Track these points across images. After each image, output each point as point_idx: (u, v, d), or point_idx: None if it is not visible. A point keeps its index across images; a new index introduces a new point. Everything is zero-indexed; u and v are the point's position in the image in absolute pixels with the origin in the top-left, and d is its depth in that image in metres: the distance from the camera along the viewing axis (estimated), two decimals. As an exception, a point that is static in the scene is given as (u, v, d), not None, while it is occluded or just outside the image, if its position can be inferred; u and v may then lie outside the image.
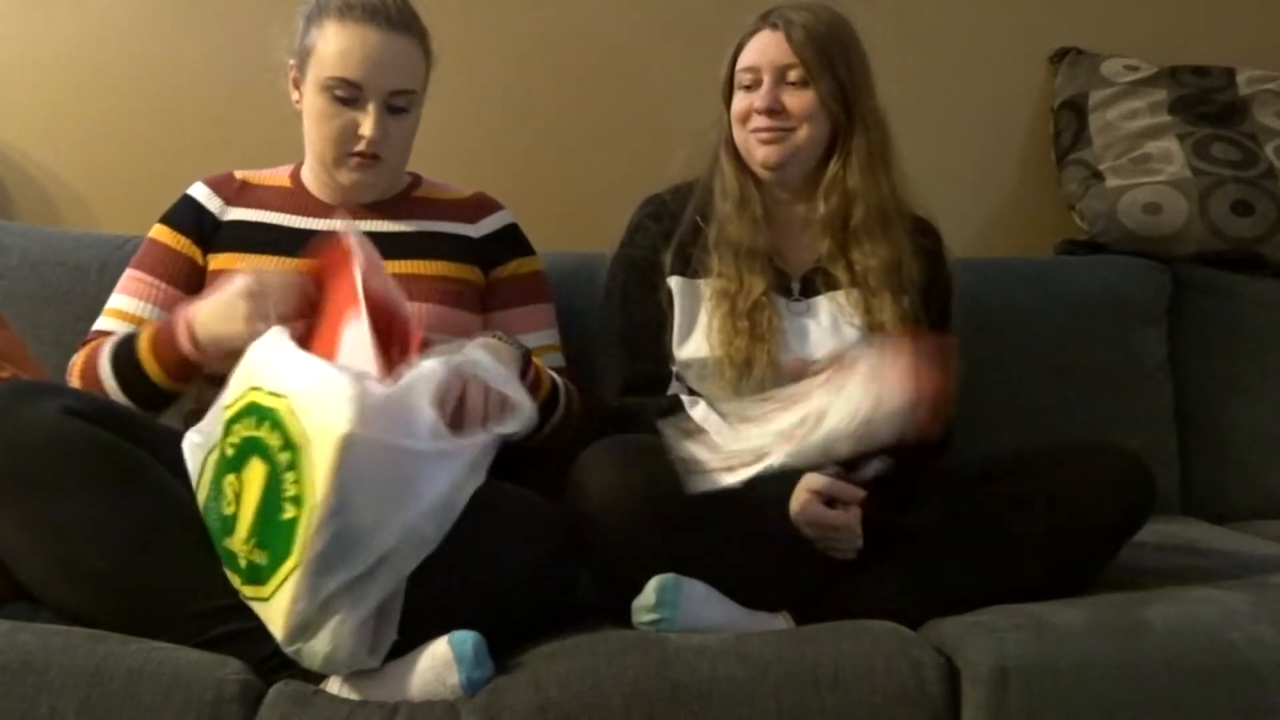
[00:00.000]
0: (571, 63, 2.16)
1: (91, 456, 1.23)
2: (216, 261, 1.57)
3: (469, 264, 1.62)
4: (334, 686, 1.19)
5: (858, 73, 1.57)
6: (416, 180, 1.69)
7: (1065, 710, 1.22)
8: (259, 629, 1.19)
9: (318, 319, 1.36)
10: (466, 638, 1.18)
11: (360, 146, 1.52)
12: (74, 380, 1.48)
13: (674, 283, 1.59)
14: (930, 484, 1.50)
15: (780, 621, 1.36)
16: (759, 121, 1.57)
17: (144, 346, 1.42)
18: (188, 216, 1.60)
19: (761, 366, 1.52)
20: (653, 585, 1.29)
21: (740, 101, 1.59)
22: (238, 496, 1.21)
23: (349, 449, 1.12)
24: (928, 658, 1.24)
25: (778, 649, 1.24)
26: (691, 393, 1.58)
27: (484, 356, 1.30)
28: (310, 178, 1.63)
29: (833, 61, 1.55)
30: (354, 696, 1.18)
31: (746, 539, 1.39)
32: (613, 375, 1.60)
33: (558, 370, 1.61)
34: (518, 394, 1.26)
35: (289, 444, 1.16)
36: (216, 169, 1.67)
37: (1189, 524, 1.86)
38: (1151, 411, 1.98)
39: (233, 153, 1.78)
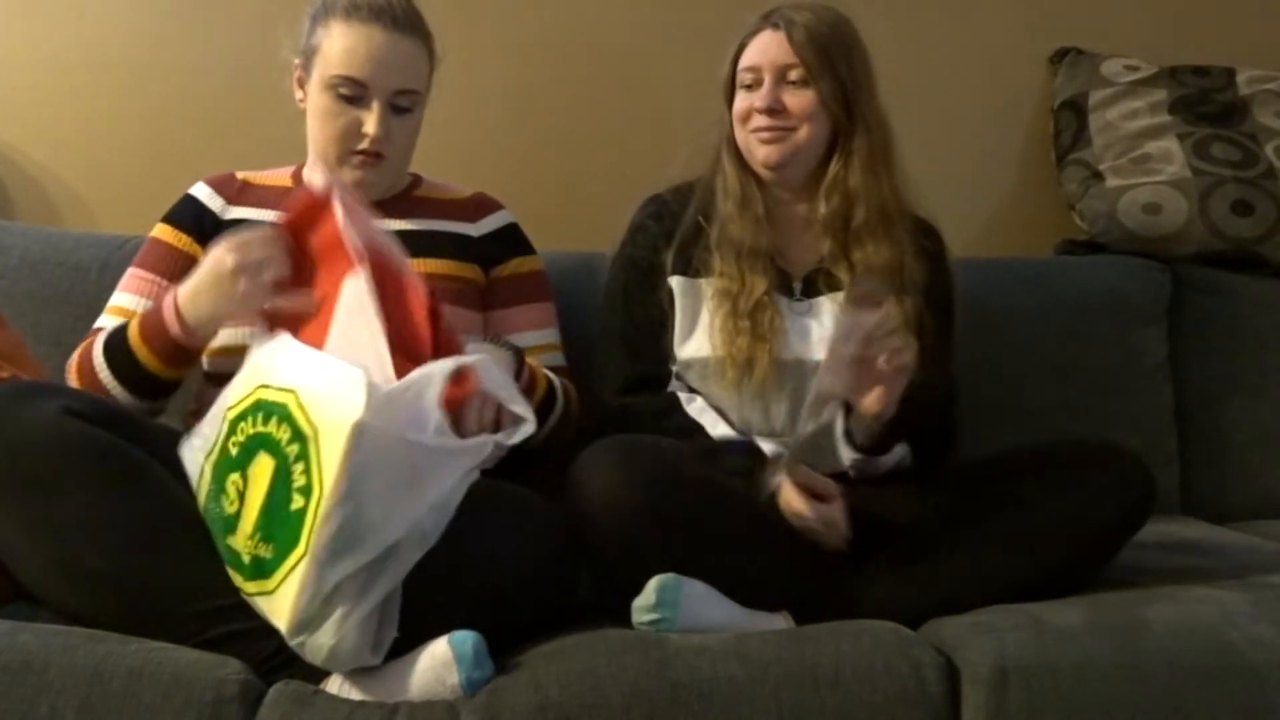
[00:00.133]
0: (572, 62, 2.16)
1: (91, 457, 1.23)
2: None
3: (469, 263, 1.62)
4: (334, 686, 1.20)
5: (859, 73, 1.57)
6: (417, 180, 1.69)
7: (1065, 710, 1.21)
8: (259, 629, 1.19)
9: (308, 272, 1.36)
10: (466, 638, 1.18)
11: (364, 145, 1.53)
12: (72, 376, 1.48)
13: (675, 282, 1.59)
14: (930, 484, 1.50)
15: (780, 621, 1.36)
16: (759, 121, 1.57)
17: (134, 334, 1.42)
18: (189, 215, 1.60)
19: (763, 367, 1.52)
20: (653, 585, 1.29)
21: (741, 101, 1.59)
22: (241, 494, 1.21)
23: (360, 437, 1.13)
24: (928, 658, 1.24)
25: (778, 649, 1.24)
26: (690, 390, 1.58)
27: (487, 361, 1.31)
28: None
29: (834, 62, 1.55)
30: (354, 696, 1.18)
31: (746, 539, 1.40)
32: (613, 374, 1.61)
33: (558, 369, 1.61)
34: (518, 404, 1.26)
35: (298, 435, 1.16)
36: (216, 169, 1.67)
37: (1189, 524, 1.86)
38: (1151, 411, 1.98)
39: (232, 153, 1.78)
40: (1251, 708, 1.23)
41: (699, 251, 1.59)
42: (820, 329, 1.56)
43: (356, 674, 1.19)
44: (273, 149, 1.65)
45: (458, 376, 1.23)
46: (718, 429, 1.52)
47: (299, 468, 1.16)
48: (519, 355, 1.47)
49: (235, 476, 1.22)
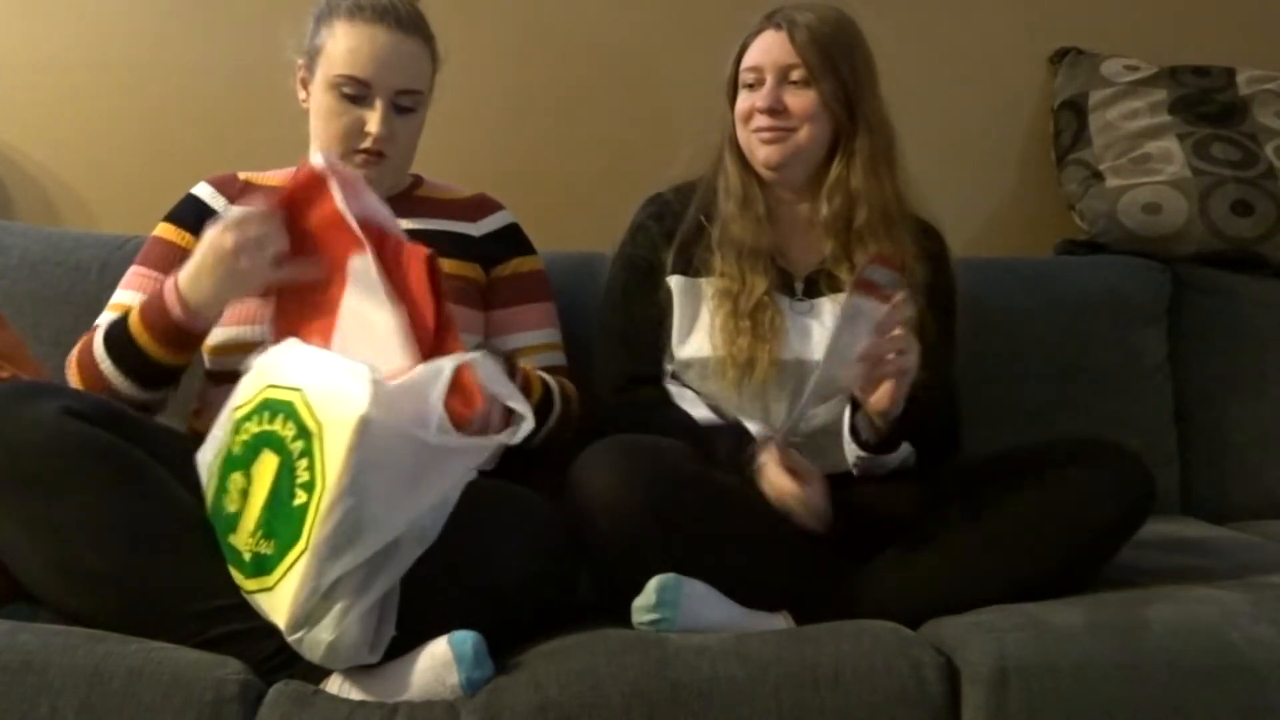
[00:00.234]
0: (572, 62, 2.16)
1: (91, 457, 1.23)
2: None
3: (470, 262, 1.62)
4: (334, 686, 1.20)
5: (861, 74, 1.57)
6: (418, 180, 1.70)
7: (1065, 710, 1.21)
8: (259, 629, 1.19)
9: (307, 248, 1.36)
10: (466, 638, 1.18)
11: (366, 144, 1.53)
12: (71, 371, 1.48)
13: (675, 281, 1.59)
14: (930, 483, 1.50)
15: (780, 621, 1.36)
16: (761, 121, 1.57)
17: (135, 322, 1.41)
18: (191, 214, 1.60)
19: (763, 367, 1.52)
20: (653, 585, 1.29)
21: (743, 101, 1.59)
22: (244, 493, 1.21)
23: (365, 431, 1.13)
24: (928, 658, 1.24)
25: (778, 649, 1.24)
26: (682, 385, 1.58)
27: (486, 358, 1.31)
28: None
29: (835, 62, 1.55)
30: (354, 696, 1.18)
31: (746, 539, 1.40)
32: (610, 372, 1.61)
33: (557, 369, 1.62)
34: (517, 400, 1.26)
35: (303, 432, 1.17)
36: (216, 169, 1.67)
37: (1189, 524, 1.86)
38: (1151, 411, 1.98)
39: (232, 153, 1.78)
40: (1251, 708, 1.23)
41: (700, 251, 1.59)
42: (821, 329, 1.56)
43: (356, 674, 1.19)
44: (273, 149, 1.64)
45: (464, 393, 1.23)
46: (703, 413, 1.53)
47: (303, 464, 1.16)
48: (509, 361, 1.48)
49: (237, 475, 1.22)
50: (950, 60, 2.20)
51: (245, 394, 1.26)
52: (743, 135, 1.60)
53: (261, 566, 1.18)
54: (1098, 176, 2.12)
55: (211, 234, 1.36)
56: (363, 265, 1.31)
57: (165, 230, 1.60)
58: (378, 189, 1.59)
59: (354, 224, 1.31)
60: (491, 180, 1.78)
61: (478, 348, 1.47)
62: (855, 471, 1.47)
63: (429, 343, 1.29)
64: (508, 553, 1.28)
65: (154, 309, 1.40)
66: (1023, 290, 2.00)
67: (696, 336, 1.57)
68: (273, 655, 1.20)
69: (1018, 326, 1.96)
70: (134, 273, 1.59)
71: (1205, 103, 2.14)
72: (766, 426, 1.49)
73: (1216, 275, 2.07)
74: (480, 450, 1.21)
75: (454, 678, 1.17)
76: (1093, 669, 1.23)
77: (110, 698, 1.13)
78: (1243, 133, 2.12)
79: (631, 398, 1.58)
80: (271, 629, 1.18)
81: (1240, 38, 2.25)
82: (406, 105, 1.54)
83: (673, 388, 1.57)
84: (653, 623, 1.29)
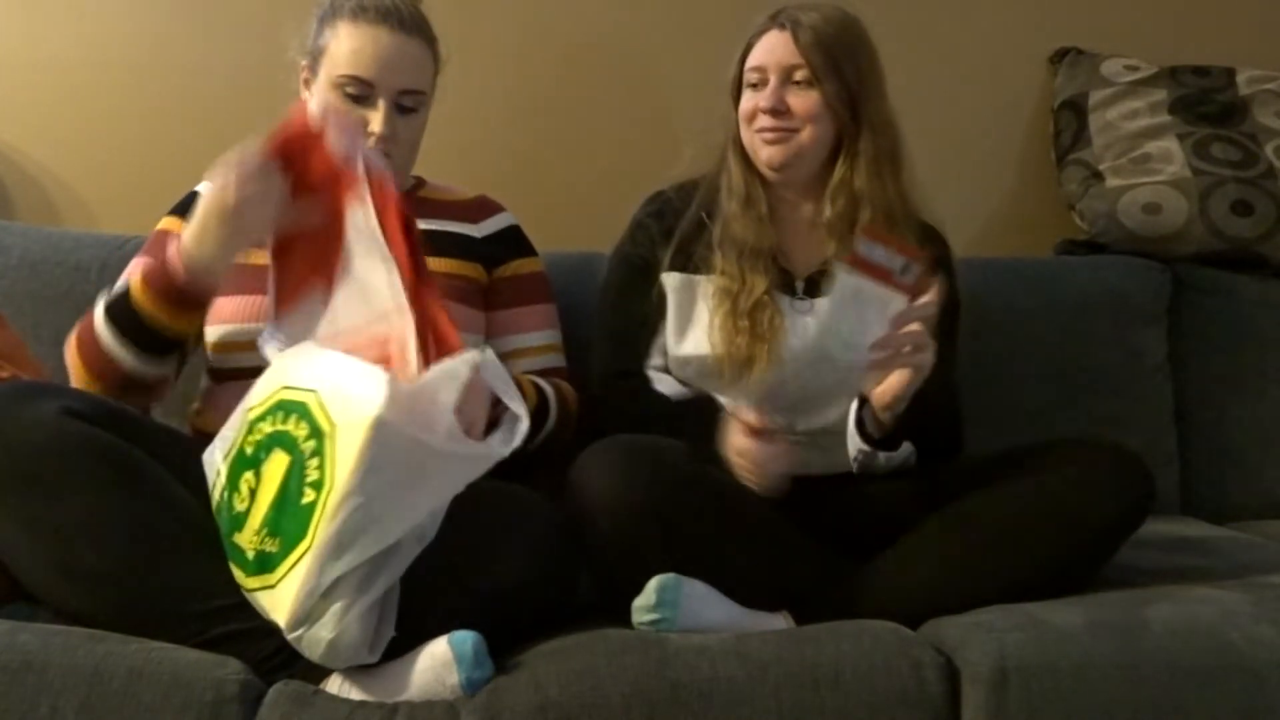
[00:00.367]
0: (572, 63, 2.16)
1: (91, 457, 1.23)
2: None
3: (473, 262, 1.63)
4: (334, 686, 1.20)
5: (866, 75, 1.57)
6: (420, 182, 1.70)
7: (1065, 710, 1.21)
8: (259, 629, 1.19)
9: (304, 195, 1.35)
10: (466, 638, 1.18)
11: (370, 143, 1.53)
12: (71, 350, 1.45)
13: (669, 278, 1.59)
14: (930, 483, 1.50)
15: (780, 621, 1.36)
16: (764, 121, 1.57)
17: (138, 288, 1.38)
18: None
19: (761, 366, 1.52)
20: (653, 585, 1.29)
21: (747, 101, 1.59)
22: (253, 491, 1.21)
23: (379, 433, 1.14)
24: (928, 658, 1.24)
25: (778, 649, 1.24)
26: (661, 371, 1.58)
27: (491, 358, 1.31)
28: None
29: (839, 63, 1.55)
30: (354, 696, 1.18)
31: (746, 539, 1.40)
32: (601, 366, 1.62)
33: (557, 370, 1.62)
34: (515, 401, 1.27)
35: (316, 432, 1.17)
36: (216, 169, 1.67)
37: (1189, 524, 1.86)
38: (1151, 411, 1.98)
39: (232, 153, 1.78)
40: (1251, 708, 1.23)
41: (700, 249, 1.59)
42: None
43: (356, 674, 1.19)
44: (273, 149, 1.64)
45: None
46: (677, 389, 1.53)
47: (313, 463, 1.16)
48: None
49: (249, 474, 1.22)
50: (950, 60, 2.20)
51: (260, 394, 1.27)
52: (746, 135, 1.61)
53: (265, 564, 1.18)
54: (1098, 176, 2.12)
55: (211, 191, 1.34)
56: (361, 215, 1.30)
57: (170, 223, 1.60)
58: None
59: (360, 170, 1.30)
60: (492, 180, 1.78)
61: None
62: (855, 467, 1.47)
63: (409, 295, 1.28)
64: (508, 553, 1.28)
65: (157, 272, 1.38)
66: (1023, 290, 2.00)
67: (695, 334, 1.57)
68: (273, 655, 1.20)
69: (1018, 326, 1.96)
70: (137, 263, 1.58)
71: (1205, 103, 2.14)
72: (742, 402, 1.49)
73: (1216, 275, 2.07)
74: (486, 459, 1.22)
75: (454, 678, 1.18)
76: (1093, 669, 1.23)
77: (110, 698, 1.13)
78: (1243, 133, 2.12)
79: (617, 390, 1.59)
80: (271, 629, 1.18)
81: (1240, 38, 2.25)
82: (409, 105, 1.54)
83: (652, 373, 1.58)
84: (653, 623, 1.29)
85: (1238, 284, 2.07)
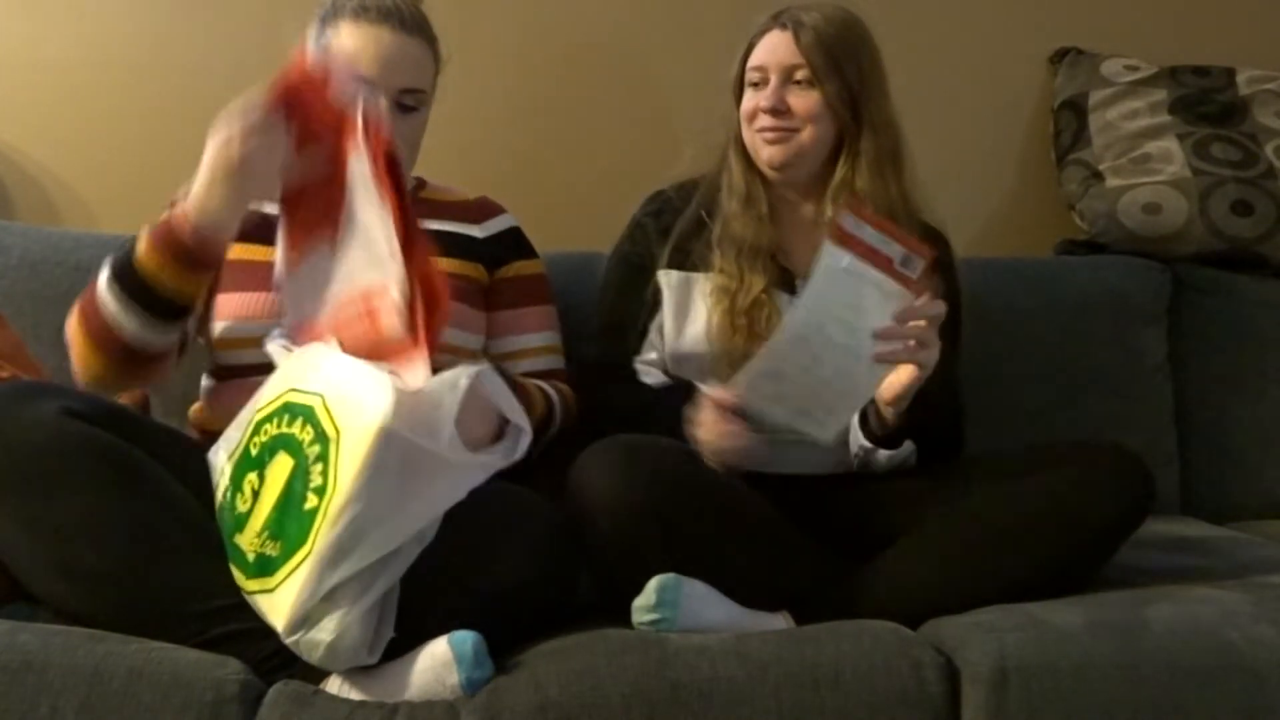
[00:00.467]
0: (572, 63, 2.16)
1: (91, 457, 1.23)
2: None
3: (474, 262, 1.63)
4: (334, 686, 1.20)
5: (868, 75, 1.57)
6: (422, 183, 1.70)
7: (1065, 710, 1.21)
8: (259, 629, 1.19)
9: (307, 142, 1.34)
10: (466, 638, 1.18)
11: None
12: (72, 323, 1.42)
13: (665, 276, 1.59)
14: (930, 483, 1.50)
15: (780, 621, 1.36)
16: (764, 121, 1.57)
17: (144, 247, 1.36)
18: None
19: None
20: (653, 585, 1.29)
21: (748, 100, 1.60)
22: (256, 493, 1.22)
23: (384, 441, 1.14)
24: (928, 658, 1.24)
25: (778, 649, 1.24)
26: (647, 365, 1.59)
27: (490, 371, 1.31)
28: None
29: (840, 63, 1.55)
30: (353, 696, 1.18)
31: (746, 539, 1.40)
32: (594, 360, 1.64)
33: (556, 372, 1.63)
34: (517, 414, 1.27)
35: (321, 437, 1.17)
36: (216, 169, 1.67)
37: (1189, 524, 1.86)
38: (1151, 411, 1.98)
39: (232, 153, 1.78)
40: (1251, 708, 1.23)
41: (699, 247, 1.60)
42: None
43: (356, 674, 1.19)
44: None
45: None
46: (659, 379, 1.54)
47: (317, 468, 1.16)
48: (510, 378, 1.49)
49: (252, 476, 1.23)
50: (950, 60, 2.20)
51: (267, 396, 1.27)
52: (747, 135, 1.61)
53: (265, 567, 1.18)
54: (1098, 176, 2.12)
55: (215, 146, 1.32)
56: (359, 165, 1.29)
57: None
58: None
59: (358, 116, 1.29)
60: (492, 180, 1.78)
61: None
62: (855, 464, 1.47)
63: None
64: (508, 553, 1.28)
65: (164, 232, 1.35)
66: (1023, 290, 2.00)
67: (692, 331, 1.57)
68: (272, 655, 1.20)
69: (1018, 326, 1.96)
70: (143, 231, 1.57)
71: (1205, 103, 2.14)
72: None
73: (1216, 275, 2.07)
74: (487, 468, 1.22)
75: (454, 678, 1.17)
76: (1093, 669, 1.23)
77: (110, 698, 1.13)
78: (1243, 133, 2.12)
79: (610, 383, 1.59)
80: (271, 629, 1.18)
81: (1240, 38, 2.25)
82: (410, 104, 1.54)
83: (640, 366, 1.58)
84: (653, 623, 1.29)
85: (1238, 284, 2.07)
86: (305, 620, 1.15)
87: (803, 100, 1.56)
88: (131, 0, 2.09)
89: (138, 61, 2.08)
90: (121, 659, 1.16)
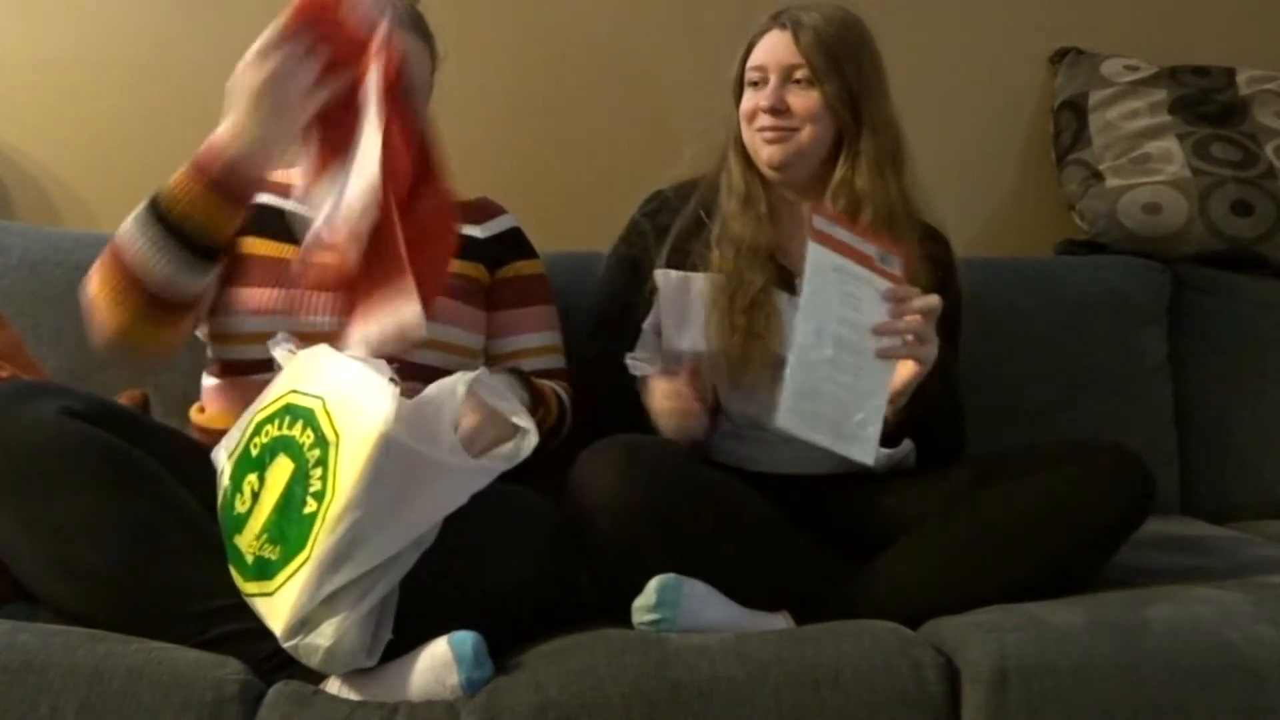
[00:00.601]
0: (572, 63, 2.16)
1: (91, 457, 1.23)
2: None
3: (475, 262, 1.63)
4: (333, 687, 1.20)
5: (868, 75, 1.57)
6: (422, 183, 1.70)
7: (1065, 710, 1.21)
8: (259, 629, 1.19)
9: (335, 75, 1.34)
10: (466, 638, 1.18)
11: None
12: (94, 278, 1.40)
13: (662, 275, 1.59)
14: (930, 483, 1.50)
15: (780, 621, 1.36)
16: (764, 120, 1.57)
17: (176, 180, 1.36)
18: None
19: (757, 362, 1.52)
20: (653, 585, 1.29)
21: (748, 100, 1.60)
22: (255, 495, 1.22)
23: (384, 447, 1.14)
24: (928, 658, 1.24)
25: (778, 649, 1.24)
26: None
27: (487, 375, 1.31)
28: None
29: (840, 63, 1.55)
30: (353, 697, 1.18)
31: (747, 539, 1.40)
32: (591, 356, 1.64)
33: (556, 372, 1.63)
34: (520, 416, 1.27)
35: (320, 441, 1.17)
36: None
37: (1189, 524, 1.86)
38: (1151, 411, 1.98)
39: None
40: (1251, 708, 1.23)
41: (697, 246, 1.60)
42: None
43: (356, 674, 1.19)
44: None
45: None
46: (640, 369, 1.55)
47: (317, 473, 1.17)
48: (525, 379, 1.50)
49: (252, 477, 1.23)
50: (950, 60, 2.20)
51: (269, 396, 1.27)
52: (747, 134, 1.61)
53: (263, 571, 1.18)
54: (1098, 176, 2.12)
55: (243, 81, 1.33)
56: (369, 82, 1.30)
57: None
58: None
59: (379, 36, 1.29)
60: (491, 181, 1.78)
61: (497, 370, 1.48)
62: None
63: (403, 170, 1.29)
64: (507, 553, 1.28)
65: (199, 164, 1.35)
66: (1023, 290, 2.00)
67: (690, 330, 1.57)
68: (272, 655, 1.20)
69: (1018, 326, 1.96)
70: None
71: (1205, 103, 2.14)
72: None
73: (1216, 275, 2.07)
74: (489, 473, 1.22)
75: (454, 678, 1.17)
76: (1093, 669, 1.23)
77: (110, 698, 1.13)
78: (1243, 133, 2.12)
79: (606, 378, 1.59)
80: (270, 630, 1.18)
81: (1240, 38, 2.25)
82: None
83: (630, 361, 1.58)
84: (653, 623, 1.29)
85: (1238, 284, 2.07)
86: (304, 624, 1.15)
87: (802, 100, 1.56)
88: (131, 0, 2.09)
89: (138, 61, 2.08)
90: (121, 659, 1.16)
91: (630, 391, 1.52)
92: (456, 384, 1.22)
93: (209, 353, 1.55)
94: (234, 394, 1.46)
